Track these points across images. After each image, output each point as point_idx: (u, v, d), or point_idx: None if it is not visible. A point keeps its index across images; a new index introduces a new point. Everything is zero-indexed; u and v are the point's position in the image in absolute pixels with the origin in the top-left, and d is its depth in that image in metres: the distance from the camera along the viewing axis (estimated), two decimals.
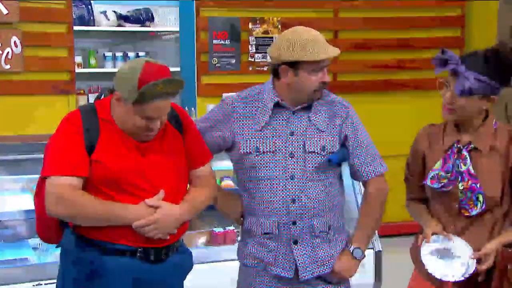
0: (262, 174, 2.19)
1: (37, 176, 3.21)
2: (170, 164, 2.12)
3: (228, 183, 3.53)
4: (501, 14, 4.76)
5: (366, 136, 2.28)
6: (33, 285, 2.90)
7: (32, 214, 3.16)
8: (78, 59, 5.50)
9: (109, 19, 5.65)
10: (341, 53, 5.68)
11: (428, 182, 2.22)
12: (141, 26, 5.86)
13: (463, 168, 2.16)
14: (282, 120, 2.20)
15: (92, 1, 5.57)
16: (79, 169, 2.02)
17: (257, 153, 2.18)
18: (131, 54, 5.90)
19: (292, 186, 2.18)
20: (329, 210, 2.25)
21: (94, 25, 5.59)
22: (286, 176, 2.18)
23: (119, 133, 2.07)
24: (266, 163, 2.18)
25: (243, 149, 2.19)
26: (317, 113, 2.22)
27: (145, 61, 2.02)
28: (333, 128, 2.22)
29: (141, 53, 5.93)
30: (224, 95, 3.69)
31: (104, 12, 5.66)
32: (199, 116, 3.86)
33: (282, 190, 2.18)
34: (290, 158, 2.19)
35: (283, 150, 2.19)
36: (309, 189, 2.20)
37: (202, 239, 3.50)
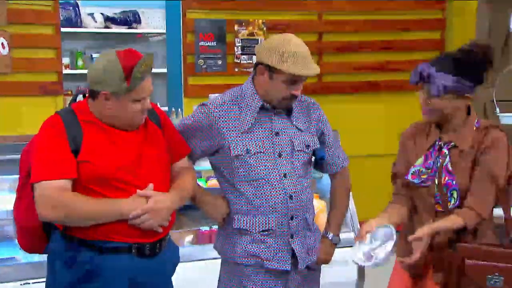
0: (256, 174, 2.24)
1: None
2: (156, 157, 2.16)
3: (214, 182, 3.57)
4: (480, 16, 4.85)
5: (334, 133, 2.45)
6: (21, 284, 2.90)
7: None
8: (66, 60, 5.52)
9: (96, 21, 5.68)
10: (325, 55, 5.76)
11: (409, 177, 2.27)
12: (128, 28, 5.88)
13: (442, 164, 2.21)
14: (266, 121, 2.27)
15: (79, 3, 5.59)
16: (68, 171, 2.02)
17: (248, 155, 2.23)
18: None
19: (287, 183, 2.26)
20: (312, 203, 2.39)
21: (81, 27, 5.61)
22: (279, 175, 2.25)
23: (103, 131, 2.09)
24: (258, 164, 2.24)
25: (234, 151, 2.23)
26: (296, 114, 2.32)
27: (114, 51, 2.05)
28: (311, 127, 2.35)
29: None
30: (211, 95, 3.73)
31: (92, 14, 5.68)
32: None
33: (279, 188, 2.25)
34: (279, 158, 2.26)
35: (271, 150, 2.25)
36: (301, 185, 2.29)
37: (189, 238, 3.51)
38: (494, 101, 4.23)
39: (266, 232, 2.27)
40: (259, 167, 2.24)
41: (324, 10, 5.11)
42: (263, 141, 2.25)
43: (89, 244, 2.06)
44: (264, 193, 2.25)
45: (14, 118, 4.23)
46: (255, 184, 2.24)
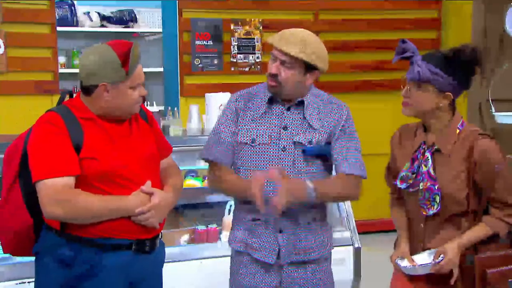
0: (256, 164, 2.27)
1: None
2: (150, 154, 2.20)
3: (191, 182, 3.59)
4: (475, 16, 4.88)
5: (355, 142, 2.32)
6: (17, 284, 2.89)
7: None
8: (62, 59, 5.52)
9: (92, 20, 5.68)
10: None
11: (398, 182, 2.28)
12: (124, 27, 5.88)
13: (424, 169, 2.21)
14: (277, 115, 2.29)
15: (75, 2, 5.59)
16: (71, 168, 2.02)
17: (252, 144, 2.28)
18: None
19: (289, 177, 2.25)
20: (315, 203, 2.30)
21: (77, 26, 5.61)
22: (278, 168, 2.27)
23: (101, 128, 2.11)
24: (260, 155, 2.28)
25: (241, 138, 2.29)
26: (312, 110, 2.30)
27: (102, 44, 2.10)
28: (326, 127, 2.30)
29: None
30: (207, 95, 3.75)
31: (88, 13, 5.68)
32: (182, 115, 3.90)
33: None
34: (282, 152, 2.27)
35: (277, 143, 2.27)
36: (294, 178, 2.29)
37: (185, 237, 3.52)
38: (490, 100, 4.25)
39: (257, 222, 2.30)
40: (259, 158, 2.28)
41: (320, 9, 5.14)
42: (270, 133, 2.28)
43: (90, 242, 2.07)
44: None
45: (9, 117, 4.24)
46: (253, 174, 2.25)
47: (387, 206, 2.48)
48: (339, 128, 2.31)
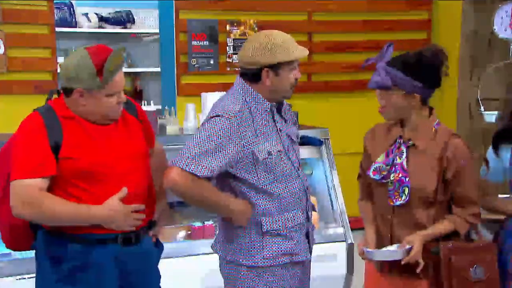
0: (282, 172, 2.26)
1: None
2: (136, 148, 2.20)
3: None
4: (465, 17, 4.95)
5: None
6: (16, 279, 2.95)
7: None
8: (61, 59, 5.56)
9: (90, 21, 5.73)
10: (315, 55, 5.81)
11: (370, 173, 2.32)
12: (122, 28, 5.93)
13: (398, 161, 2.27)
14: (270, 120, 2.28)
15: (74, 3, 5.65)
16: (45, 169, 2.02)
17: (270, 156, 2.23)
18: None
19: (301, 176, 2.33)
20: None
21: (76, 27, 5.67)
22: (295, 169, 2.31)
23: (82, 127, 2.11)
24: (279, 162, 2.25)
25: (261, 155, 2.21)
26: (284, 110, 2.37)
27: (84, 48, 2.08)
28: (292, 119, 2.43)
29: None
30: (203, 94, 3.81)
31: (86, 14, 5.73)
32: (178, 114, 3.96)
33: (299, 182, 2.30)
34: (289, 152, 2.31)
35: (281, 146, 2.29)
36: (304, 175, 2.36)
37: (182, 234, 3.56)
38: (479, 99, 4.33)
39: (295, 227, 2.29)
40: (280, 165, 2.25)
41: (314, 10, 5.19)
42: (275, 140, 2.27)
43: (76, 238, 2.10)
44: (290, 189, 2.28)
45: (9, 116, 4.26)
46: (283, 182, 2.26)
47: None
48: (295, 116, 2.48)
